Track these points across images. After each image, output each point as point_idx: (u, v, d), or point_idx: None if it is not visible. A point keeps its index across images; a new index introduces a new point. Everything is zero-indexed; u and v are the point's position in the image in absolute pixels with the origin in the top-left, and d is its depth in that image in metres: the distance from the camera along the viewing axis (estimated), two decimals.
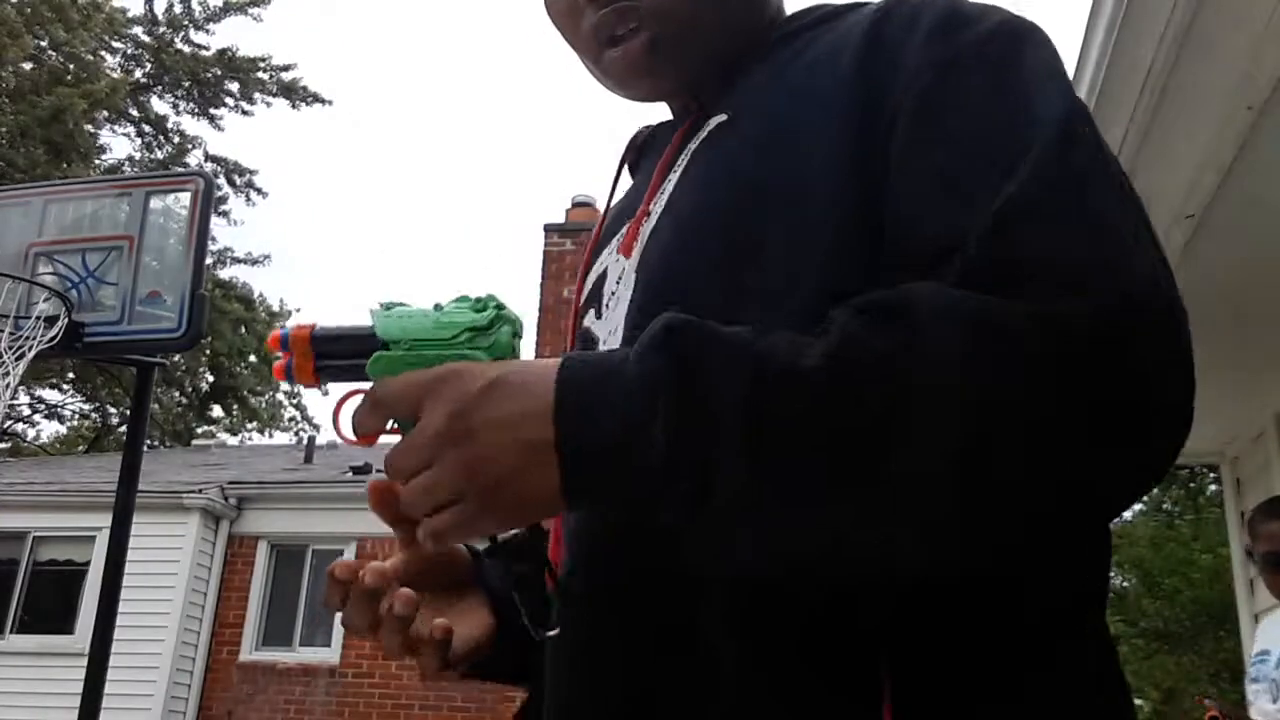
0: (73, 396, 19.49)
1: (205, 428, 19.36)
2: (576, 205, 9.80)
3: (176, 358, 15.63)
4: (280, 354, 0.68)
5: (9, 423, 17.93)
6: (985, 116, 0.63)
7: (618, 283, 0.78)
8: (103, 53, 17.89)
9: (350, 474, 11.06)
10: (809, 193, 0.66)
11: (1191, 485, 15.58)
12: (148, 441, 11.56)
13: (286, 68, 18.00)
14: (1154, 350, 0.55)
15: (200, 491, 10.58)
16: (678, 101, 0.86)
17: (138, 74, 18.24)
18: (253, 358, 19.34)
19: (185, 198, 4.28)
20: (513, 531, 0.67)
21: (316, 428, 20.94)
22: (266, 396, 20.70)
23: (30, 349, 3.83)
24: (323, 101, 18.20)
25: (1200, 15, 2.19)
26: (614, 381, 0.58)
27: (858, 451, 0.54)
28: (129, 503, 4.00)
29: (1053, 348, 0.53)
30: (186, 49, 17.98)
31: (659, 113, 0.91)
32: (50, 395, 19.17)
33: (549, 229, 9.52)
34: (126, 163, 18.26)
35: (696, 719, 0.61)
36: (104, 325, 4.05)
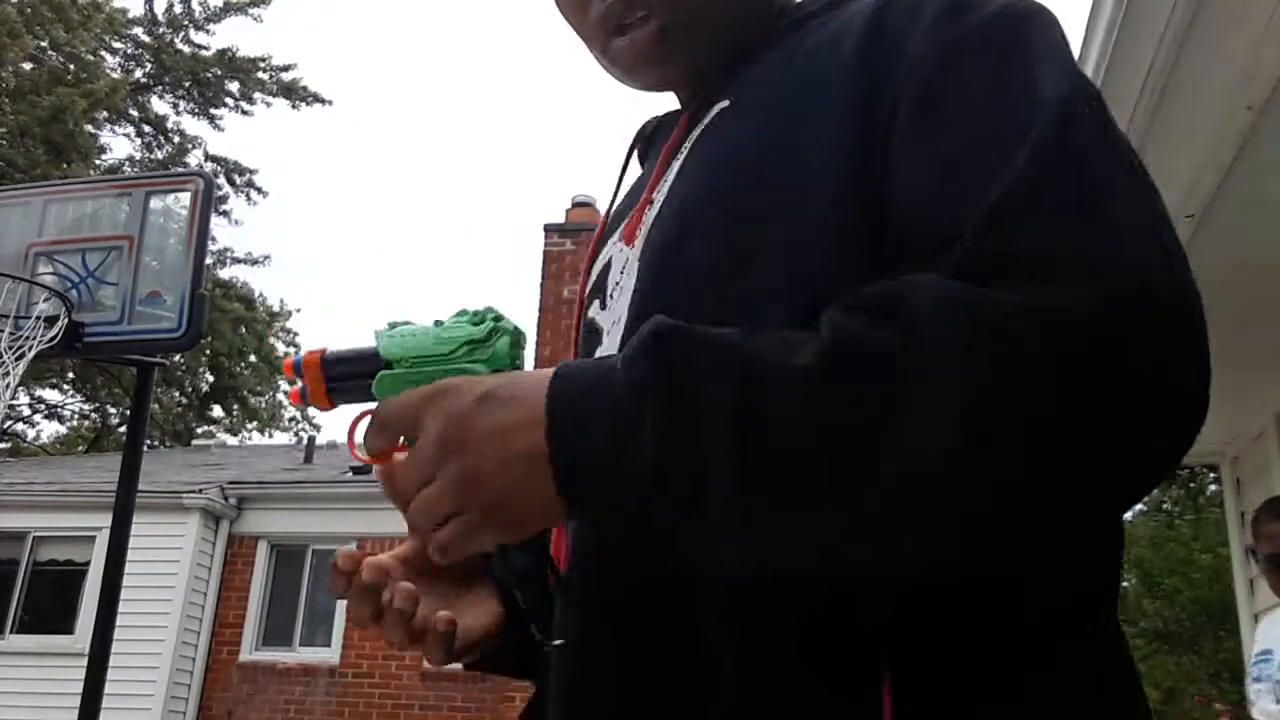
0: (73, 396, 19.50)
1: (205, 428, 19.36)
2: (576, 205, 9.80)
3: (176, 358, 15.64)
4: (296, 380, 0.70)
5: (9, 423, 17.93)
6: (987, 102, 0.62)
7: (621, 272, 0.78)
8: (103, 53, 17.91)
9: (350, 474, 11.06)
10: (810, 184, 0.66)
11: (1191, 485, 15.59)
12: (148, 441, 11.56)
13: (286, 68, 18.02)
14: (1160, 341, 0.53)
15: (200, 491, 10.58)
16: (685, 90, 0.85)
17: (138, 74, 18.24)
18: (253, 358, 19.36)
19: (185, 198, 4.29)
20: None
21: (317, 428, 21.00)
22: (266, 396, 20.72)
23: (30, 349, 3.83)
24: (323, 101, 18.22)
25: (1200, 15, 2.19)
26: (604, 390, 0.58)
27: (851, 452, 0.53)
28: (129, 503, 4.01)
29: (1051, 345, 0.52)
30: (186, 49, 17.98)
31: (664, 106, 0.91)
32: (50, 395, 19.20)
33: (549, 229, 9.51)
34: (126, 163, 18.27)
35: (697, 719, 0.61)
36: (104, 325, 4.05)
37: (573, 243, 9.32)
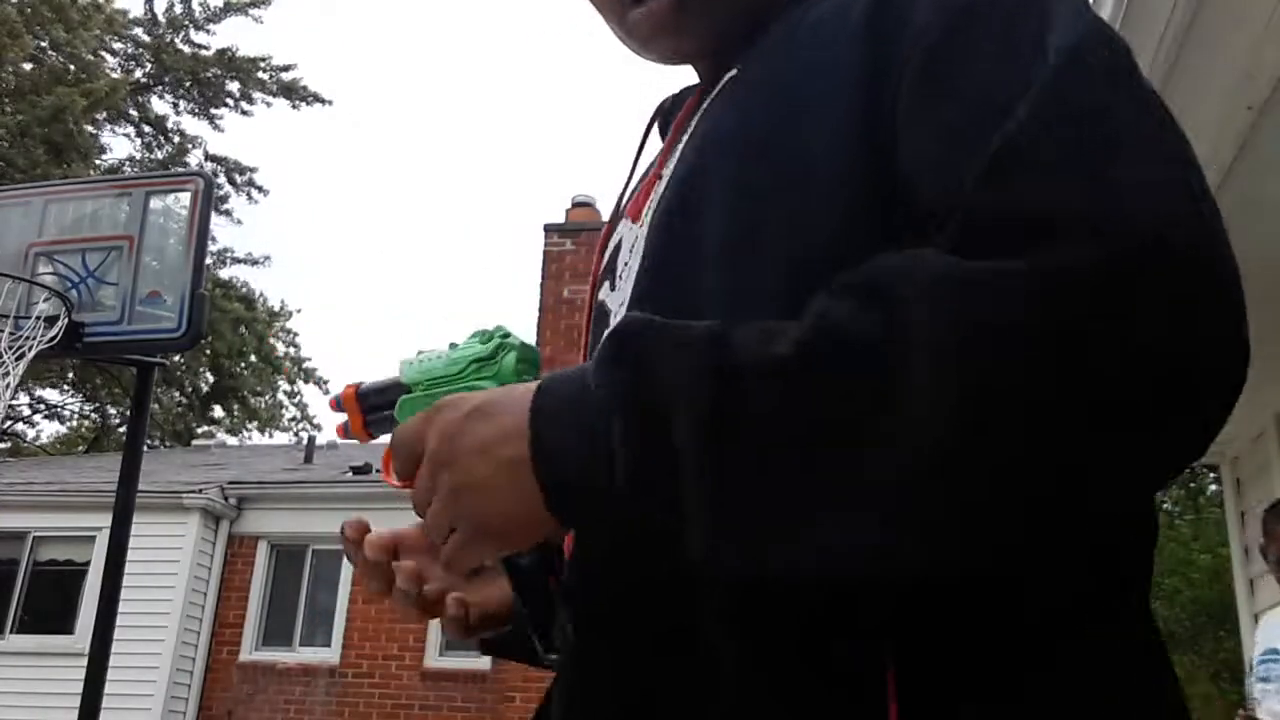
0: (73, 396, 19.50)
1: (205, 428, 19.35)
2: (576, 205, 9.80)
3: (176, 358, 15.63)
4: (339, 414, 0.74)
5: (9, 423, 17.92)
6: (995, 66, 0.58)
7: (630, 251, 0.77)
8: (103, 53, 17.91)
9: (350, 474, 11.06)
10: (817, 159, 0.63)
11: (1191, 485, 15.57)
12: (148, 441, 11.57)
13: (286, 68, 18.02)
14: (1177, 304, 0.48)
15: (200, 491, 10.58)
16: (702, 63, 0.84)
17: (138, 74, 18.24)
18: (253, 358, 19.36)
19: (185, 198, 4.29)
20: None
21: (317, 428, 20.94)
22: (266, 396, 20.72)
23: (30, 349, 3.83)
24: (323, 101, 18.21)
25: (1200, 15, 2.19)
26: (583, 400, 0.58)
27: (836, 444, 0.51)
28: (129, 503, 4.01)
29: (1051, 320, 0.48)
30: (186, 49, 17.98)
31: (670, 88, 0.90)
32: (50, 395, 19.20)
33: (549, 229, 9.51)
34: (126, 163, 18.27)
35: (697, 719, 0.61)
36: (104, 325, 4.06)
37: (573, 243, 9.32)
